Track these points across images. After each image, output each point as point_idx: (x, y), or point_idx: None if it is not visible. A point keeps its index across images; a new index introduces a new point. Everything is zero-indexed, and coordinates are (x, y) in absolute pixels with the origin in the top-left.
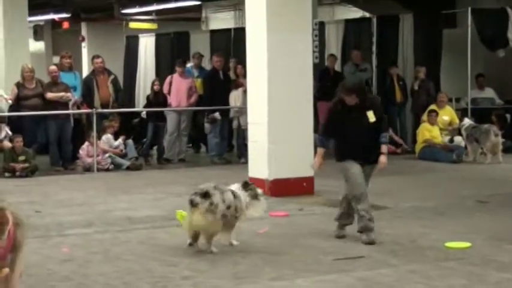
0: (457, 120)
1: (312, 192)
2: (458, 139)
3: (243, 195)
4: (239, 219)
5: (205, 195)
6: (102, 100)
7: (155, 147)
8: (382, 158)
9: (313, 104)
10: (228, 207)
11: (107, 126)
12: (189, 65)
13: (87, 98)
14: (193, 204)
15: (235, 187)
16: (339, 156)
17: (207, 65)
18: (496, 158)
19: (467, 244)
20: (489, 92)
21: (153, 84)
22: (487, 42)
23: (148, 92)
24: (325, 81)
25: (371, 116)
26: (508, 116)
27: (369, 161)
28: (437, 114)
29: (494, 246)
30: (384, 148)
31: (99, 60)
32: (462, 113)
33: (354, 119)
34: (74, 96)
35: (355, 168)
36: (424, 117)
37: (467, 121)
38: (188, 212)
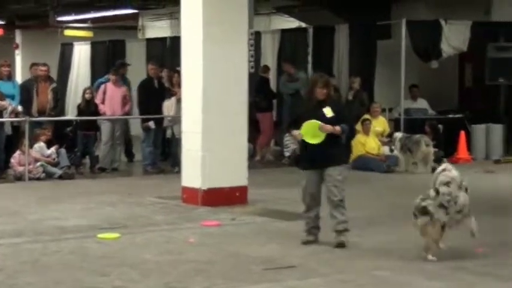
0: (388, 131)
1: (245, 202)
2: (385, 149)
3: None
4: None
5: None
6: (39, 107)
7: (88, 156)
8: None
9: (249, 113)
10: (459, 211)
11: (39, 134)
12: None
13: (27, 103)
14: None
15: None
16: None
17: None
18: (427, 168)
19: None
20: (422, 103)
21: (84, 92)
22: (420, 54)
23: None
24: (263, 92)
25: (328, 112)
26: (440, 126)
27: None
28: (370, 122)
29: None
30: (338, 127)
31: (45, 68)
32: (395, 124)
33: (316, 114)
34: (12, 105)
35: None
36: (358, 127)
37: (398, 134)
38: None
